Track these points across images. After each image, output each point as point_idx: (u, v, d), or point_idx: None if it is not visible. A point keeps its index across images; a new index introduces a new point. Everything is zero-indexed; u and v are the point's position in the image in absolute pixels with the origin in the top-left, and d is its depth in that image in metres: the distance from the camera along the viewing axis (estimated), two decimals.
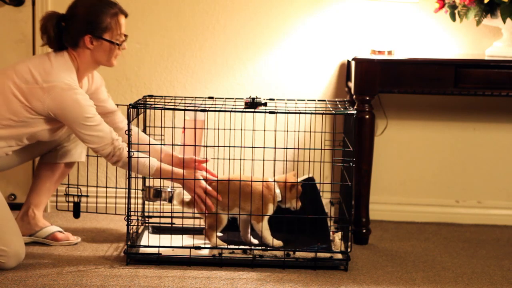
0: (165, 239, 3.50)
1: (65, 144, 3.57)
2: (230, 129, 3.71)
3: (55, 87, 3.21)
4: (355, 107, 3.67)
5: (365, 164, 3.70)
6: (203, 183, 3.39)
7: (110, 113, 3.55)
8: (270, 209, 3.46)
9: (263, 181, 3.45)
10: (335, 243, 3.51)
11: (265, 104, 3.39)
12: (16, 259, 3.19)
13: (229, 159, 3.81)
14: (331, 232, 3.60)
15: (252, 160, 3.75)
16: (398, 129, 4.15)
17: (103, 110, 3.50)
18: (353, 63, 3.69)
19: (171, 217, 3.73)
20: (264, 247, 3.38)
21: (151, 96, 3.73)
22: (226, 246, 3.39)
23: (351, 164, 3.33)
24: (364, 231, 3.74)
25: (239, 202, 3.42)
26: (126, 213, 3.36)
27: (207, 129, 3.78)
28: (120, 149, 3.30)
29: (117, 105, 3.63)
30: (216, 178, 3.46)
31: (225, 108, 3.40)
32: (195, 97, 3.78)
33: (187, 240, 3.57)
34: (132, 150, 3.28)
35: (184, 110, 3.36)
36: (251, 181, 3.43)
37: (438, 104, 4.12)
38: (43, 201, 3.61)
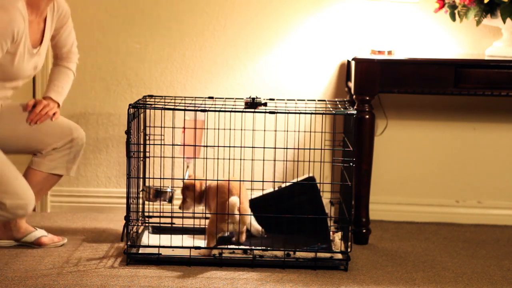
0: (165, 239, 3.50)
1: (52, 152, 3.49)
2: (230, 129, 3.71)
3: None
4: (355, 107, 3.67)
5: (365, 164, 3.70)
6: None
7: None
8: None
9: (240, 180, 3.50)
10: (335, 243, 3.51)
11: (265, 104, 3.39)
12: (31, 206, 3.29)
13: (229, 159, 3.81)
14: (331, 232, 3.60)
15: (252, 160, 3.75)
16: (398, 129, 4.15)
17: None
18: (353, 63, 3.69)
19: (171, 217, 3.73)
20: (264, 247, 3.38)
21: (151, 96, 3.73)
22: (226, 246, 3.39)
23: (351, 164, 3.33)
24: (364, 231, 3.74)
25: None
26: (126, 213, 3.36)
27: (207, 129, 3.77)
28: None
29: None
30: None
31: (225, 108, 3.40)
32: (195, 97, 3.78)
33: (187, 240, 3.57)
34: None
35: (184, 110, 3.36)
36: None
37: (438, 104, 4.12)
38: None
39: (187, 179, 3.59)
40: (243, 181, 3.49)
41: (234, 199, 3.37)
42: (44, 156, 3.49)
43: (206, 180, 3.55)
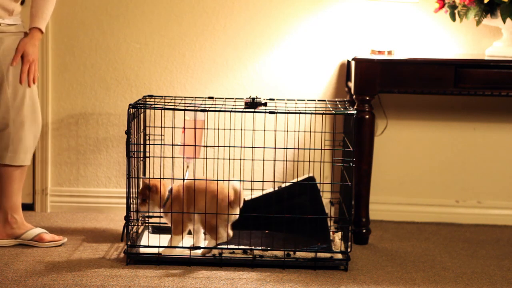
0: (165, 239, 3.50)
1: (6, 143, 3.47)
2: (230, 129, 3.71)
3: None
4: (355, 107, 3.68)
5: (365, 164, 3.70)
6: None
7: None
8: None
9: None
10: (335, 243, 3.51)
11: (265, 104, 3.39)
12: None
13: (229, 159, 3.81)
14: (331, 232, 3.60)
15: (252, 160, 3.75)
16: (398, 129, 4.15)
17: None
18: (353, 63, 3.69)
19: (171, 217, 3.72)
20: (264, 247, 3.38)
21: (151, 96, 3.73)
22: (226, 246, 3.39)
23: (351, 164, 3.33)
24: (364, 231, 3.74)
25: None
26: (126, 213, 3.36)
27: (207, 129, 3.78)
28: None
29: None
30: None
31: (225, 108, 3.40)
32: (195, 97, 3.79)
33: (187, 240, 3.57)
34: None
35: (184, 110, 3.36)
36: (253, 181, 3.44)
37: (438, 104, 4.12)
38: (17, 203, 3.54)
39: (149, 180, 3.41)
40: (243, 181, 3.48)
41: (236, 184, 3.36)
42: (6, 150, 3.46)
43: (172, 181, 3.45)
